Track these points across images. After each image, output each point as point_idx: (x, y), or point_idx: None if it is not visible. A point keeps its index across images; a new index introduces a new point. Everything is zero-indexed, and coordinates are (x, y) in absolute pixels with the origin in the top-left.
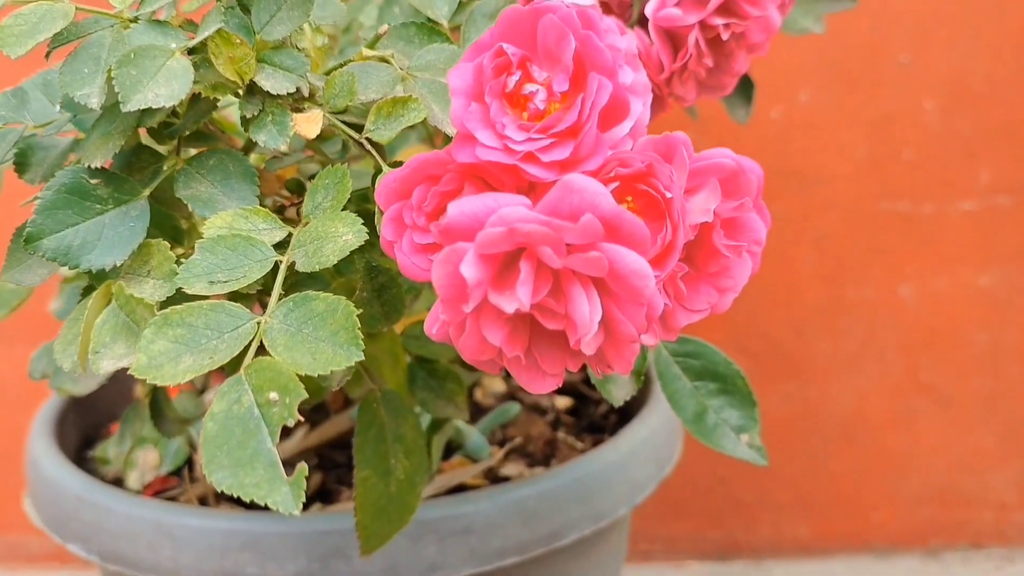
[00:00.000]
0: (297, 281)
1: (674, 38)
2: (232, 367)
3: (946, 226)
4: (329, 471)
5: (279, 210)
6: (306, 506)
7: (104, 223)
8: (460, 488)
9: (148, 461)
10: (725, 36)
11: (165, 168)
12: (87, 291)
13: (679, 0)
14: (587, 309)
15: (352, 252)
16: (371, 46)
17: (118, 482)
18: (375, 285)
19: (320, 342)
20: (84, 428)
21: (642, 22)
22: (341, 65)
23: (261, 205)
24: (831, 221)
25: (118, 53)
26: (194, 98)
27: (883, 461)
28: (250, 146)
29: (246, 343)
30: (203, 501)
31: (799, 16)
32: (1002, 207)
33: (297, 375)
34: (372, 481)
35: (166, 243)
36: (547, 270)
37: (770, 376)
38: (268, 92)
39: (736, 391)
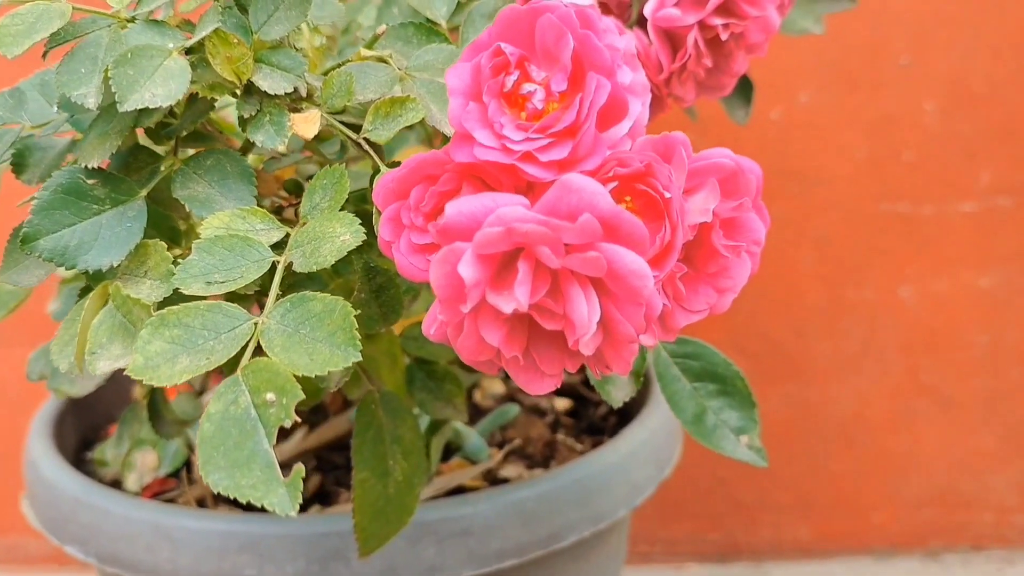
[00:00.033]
0: (295, 282)
1: (673, 38)
2: (229, 368)
3: (946, 227)
4: (328, 473)
5: (277, 211)
6: (304, 508)
7: (101, 223)
8: (459, 490)
9: (146, 463)
10: (724, 36)
11: (162, 168)
12: (84, 292)
13: (678, 0)
14: (585, 309)
15: (350, 253)
16: (369, 46)
17: (116, 484)
18: (373, 286)
19: (318, 343)
20: (82, 430)
21: (641, 22)
22: (339, 65)
23: (259, 205)
24: (831, 222)
25: (115, 53)
26: (191, 98)
27: (883, 462)
28: (248, 146)
29: (243, 344)
30: (201, 503)
31: (798, 17)
32: (1002, 208)
33: (294, 376)
34: (370, 483)
35: (163, 244)
36: (545, 270)
37: (770, 377)
38: (266, 92)
39: (736, 392)
